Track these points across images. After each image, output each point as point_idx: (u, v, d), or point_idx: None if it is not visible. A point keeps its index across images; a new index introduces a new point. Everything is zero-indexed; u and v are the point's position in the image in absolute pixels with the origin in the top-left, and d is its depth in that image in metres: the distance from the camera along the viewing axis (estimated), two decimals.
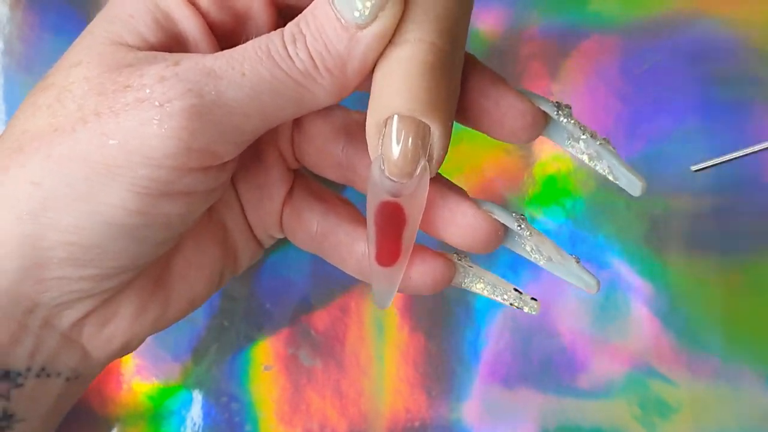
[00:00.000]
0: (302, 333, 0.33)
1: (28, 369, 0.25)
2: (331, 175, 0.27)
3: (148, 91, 0.21)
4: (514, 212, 0.25)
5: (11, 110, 0.33)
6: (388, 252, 0.24)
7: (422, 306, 0.33)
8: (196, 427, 0.33)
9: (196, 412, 0.33)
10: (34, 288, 0.23)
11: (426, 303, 0.33)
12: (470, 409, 0.33)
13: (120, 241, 0.23)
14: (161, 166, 0.22)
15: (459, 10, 0.22)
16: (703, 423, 0.32)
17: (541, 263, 0.25)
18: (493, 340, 0.33)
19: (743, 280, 0.33)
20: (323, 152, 0.27)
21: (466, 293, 0.33)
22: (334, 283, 0.33)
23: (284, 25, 0.23)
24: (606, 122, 0.33)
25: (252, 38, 0.23)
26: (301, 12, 0.23)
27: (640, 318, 0.33)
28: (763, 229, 0.33)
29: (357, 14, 0.21)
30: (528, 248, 0.25)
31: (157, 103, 0.21)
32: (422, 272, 0.25)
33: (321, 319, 0.33)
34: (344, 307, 0.34)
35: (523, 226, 0.25)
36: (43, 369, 0.25)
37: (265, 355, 0.33)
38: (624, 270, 0.33)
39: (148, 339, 0.27)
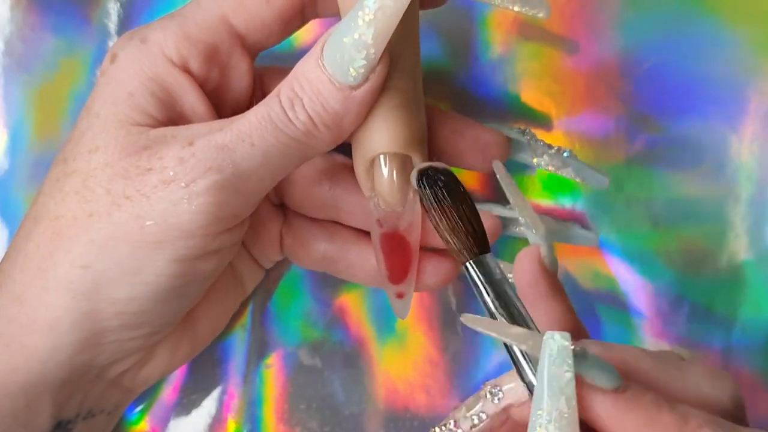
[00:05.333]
0: (303, 333, 0.34)
1: (77, 415, 0.27)
2: (315, 213, 0.30)
3: (171, 173, 0.24)
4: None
5: (11, 110, 0.33)
6: (398, 271, 0.28)
7: (422, 306, 0.33)
8: (197, 426, 0.33)
9: (196, 412, 0.33)
10: (91, 355, 0.26)
11: (426, 303, 0.33)
12: None
13: (165, 302, 0.26)
14: (195, 236, 0.24)
15: (414, 56, 0.26)
16: None
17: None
18: (492, 340, 0.33)
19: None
20: (308, 195, 0.29)
21: (466, 294, 0.33)
22: (334, 283, 0.33)
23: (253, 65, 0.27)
24: (606, 122, 0.33)
25: (236, 87, 0.27)
26: (267, 48, 0.27)
27: (641, 318, 0.33)
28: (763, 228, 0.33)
29: (351, 79, 0.23)
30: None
31: (183, 184, 0.23)
32: (431, 273, 0.29)
33: (321, 319, 0.34)
34: (344, 307, 0.34)
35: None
36: (89, 412, 0.28)
37: (265, 354, 0.33)
38: (624, 270, 0.33)
39: None
